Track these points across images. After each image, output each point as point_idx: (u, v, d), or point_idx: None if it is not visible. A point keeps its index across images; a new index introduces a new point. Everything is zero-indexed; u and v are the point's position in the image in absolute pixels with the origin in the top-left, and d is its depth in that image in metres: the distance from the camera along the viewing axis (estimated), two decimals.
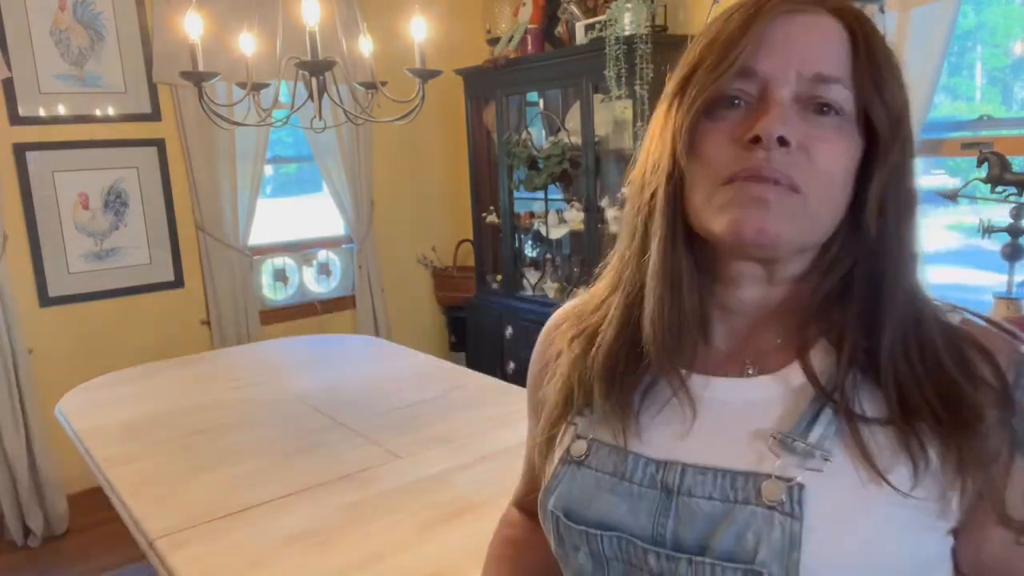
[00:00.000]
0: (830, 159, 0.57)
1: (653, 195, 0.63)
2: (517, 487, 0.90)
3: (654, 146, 0.64)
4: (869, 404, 0.57)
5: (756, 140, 0.56)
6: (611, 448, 0.64)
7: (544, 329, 0.78)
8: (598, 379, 0.65)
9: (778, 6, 0.57)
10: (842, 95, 0.57)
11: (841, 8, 0.58)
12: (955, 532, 0.57)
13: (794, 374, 0.60)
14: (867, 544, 0.54)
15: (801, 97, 0.57)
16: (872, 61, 0.57)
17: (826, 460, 0.55)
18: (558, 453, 0.68)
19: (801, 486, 0.55)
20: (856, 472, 0.55)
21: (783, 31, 0.57)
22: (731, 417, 0.60)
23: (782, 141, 0.55)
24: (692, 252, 0.62)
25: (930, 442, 0.55)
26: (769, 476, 0.56)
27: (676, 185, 0.61)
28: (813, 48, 0.57)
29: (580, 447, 0.65)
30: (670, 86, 0.63)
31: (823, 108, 0.57)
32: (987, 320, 0.60)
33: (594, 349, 0.66)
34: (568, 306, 0.76)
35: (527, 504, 0.86)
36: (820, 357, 0.60)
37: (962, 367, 0.56)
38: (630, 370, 0.64)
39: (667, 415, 0.63)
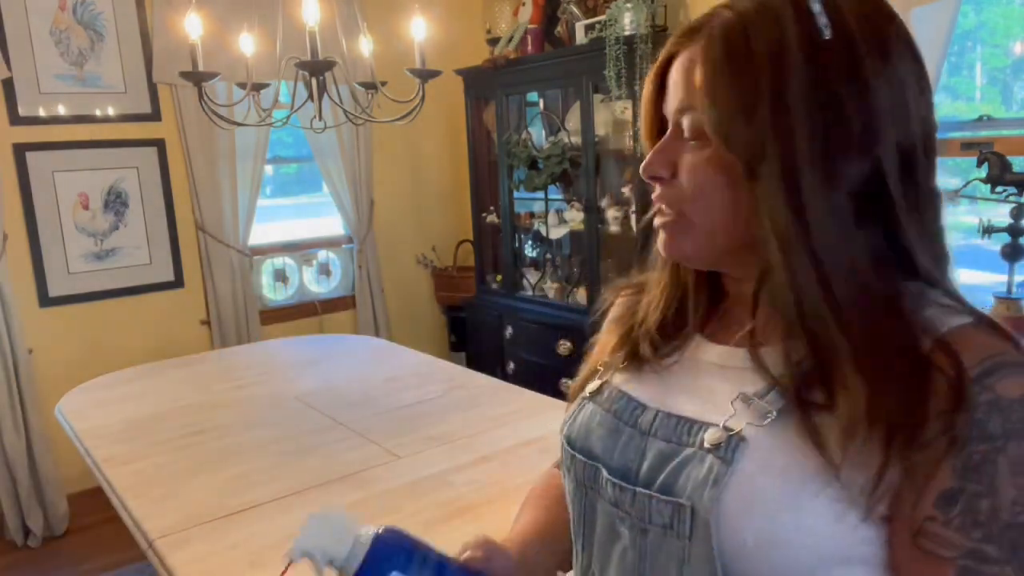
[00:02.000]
0: (695, 179, 0.63)
1: None
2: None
3: None
4: (815, 393, 0.58)
5: None
6: (616, 390, 0.73)
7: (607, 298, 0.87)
8: (641, 338, 0.74)
9: (671, 48, 0.66)
10: (694, 120, 0.62)
11: (711, 28, 0.62)
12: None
13: (778, 352, 0.63)
14: (783, 506, 0.55)
15: (679, 129, 0.65)
16: (711, 85, 0.60)
17: (769, 417, 0.59)
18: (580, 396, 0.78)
19: (742, 438, 0.59)
20: (792, 442, 0.57)
21: (672, 72, 0.66)
22: (718, 378, 0.66)
23: (654, 179, 0.66)
24: None
25: (866, 430, 0.55)
26: (717, 425, 0.61)
27: None
28: (682, 83, 0.64)
29: (594, 386, 0.75)
30: None
31: (691, 136, 0.63)
32: (990, 322, 0.58)
33: (639, 315, 0.76)
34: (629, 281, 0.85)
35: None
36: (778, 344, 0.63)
37: (914, 363, 0.55)
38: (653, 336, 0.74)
39: (676, 369, 0.71)
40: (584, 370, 0.80)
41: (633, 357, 0.73)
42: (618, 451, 0.67)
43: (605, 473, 0.67)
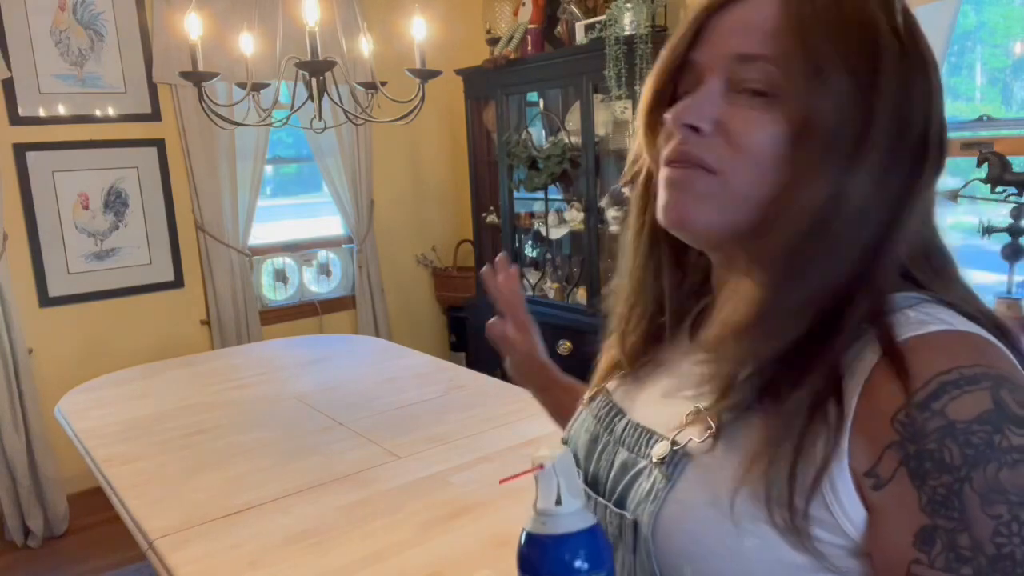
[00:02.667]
0: (749, 135, 0.56)
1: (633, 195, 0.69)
2: None
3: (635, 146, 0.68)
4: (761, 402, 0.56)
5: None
6: (605, 394, 0.72)
7: None
8: (624, 352, 0.72)
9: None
10: (765, 72, 0.55)
11: None
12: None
13: None
14: (708, 525, 0.54)
15: (733, 82, 0.57)
16: (801, 36, 0.54)
17: (707, 432, 0.57)
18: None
19: (686, 454, 0.57)
20: (731, 461, 0.55)
21: (718, 22, 0.58)
22: (687, 383, 0.62)
23: (693, 127, 0.57)
24: (673, 243, 0.66)
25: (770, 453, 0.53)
26: (667, 439, 0.60)
27: (646, 183, 0.66)
28: (740, 31, 0.57)
29: (591, 393, 0.75)
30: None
31: (754, 92, 0.56)
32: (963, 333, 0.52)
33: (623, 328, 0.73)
34: None
35: None
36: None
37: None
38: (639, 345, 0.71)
39: (656, 375, 0.69)
40: (597, 372, 0.79)
41: (621, 370, 0.72)
42: (595, 459, 0.67)
43: (579, 480, 0.64)
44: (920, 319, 0.53)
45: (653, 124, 0.63)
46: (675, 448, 0.58)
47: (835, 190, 0.53)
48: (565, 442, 0.74)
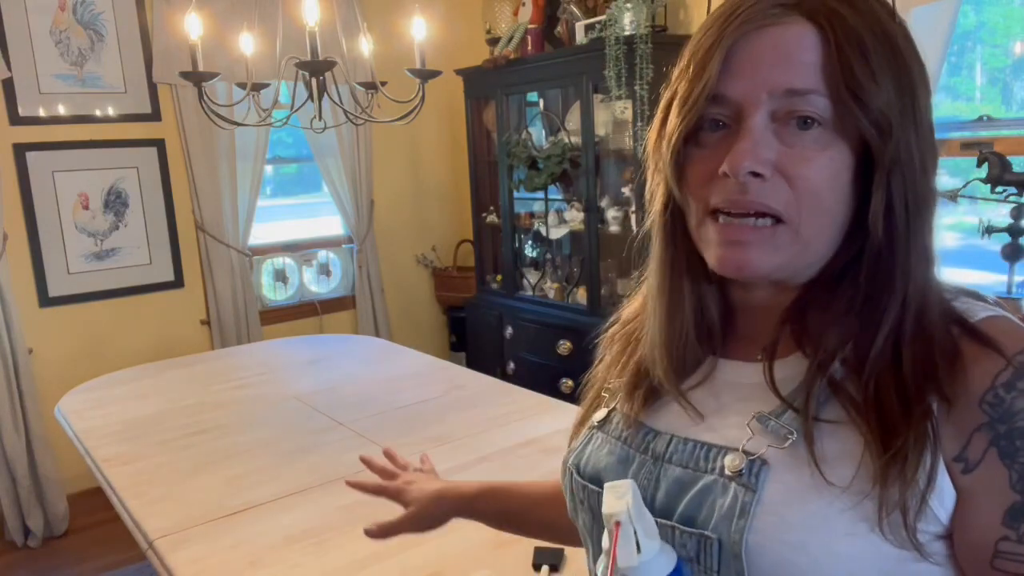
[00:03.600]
0: (813, 178, 0.55)
1: (653, 223, 0.66)
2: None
3: (651, 171, 0.66)
4: (831, 408, 0.56)
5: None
6: (626, 417, 0.68)
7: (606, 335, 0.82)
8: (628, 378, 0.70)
9: (743, 24, 0.55)
10: (819, 104, 0.54)
11: (813, 9, 0.55)
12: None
13: (793, 363, 0.60)
14: (811, 532, 0.53)
15: (778, 114, 0.55)
16: (844, 63, 0.54)
17: (789, 439, 0.56)
18: (586, 426, 0.74)
19: (764, 461, 0.56)
20: (808, 465, 0.55)
21: (749, 50, 0.55)
22: (729, 397, 0.62)
23: (754, 174, 0.55)
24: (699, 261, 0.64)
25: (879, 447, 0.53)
26: (736, 449, 0.58)
27: (673, 212, 0.64)
28: (782, 64, 0.55)
29: (601, 415, 0.72)
30: (660, 106, 0.63)
31: (804, 121, 0.55)
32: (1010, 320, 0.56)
33: (634, 349, 0.71)
34: (621, 313, 0.80)
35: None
36: (796, 360, 0.60)
37: (944, 373, 0.54)
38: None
39: (690, 394, 0.66)
40: (587, 399, 0.77)
41: (651, 393, 0.68)
42: (633, 479, 0.64)
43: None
44: (969, 309, 0.56)
45: (682, 159, 0.60)
46: (751, 457, 0.57)
47: (902, 214, 0.56)
48: (579, 470, 0.69)
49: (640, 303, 0.74)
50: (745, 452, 0.57)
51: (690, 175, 0.60)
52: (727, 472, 0.57)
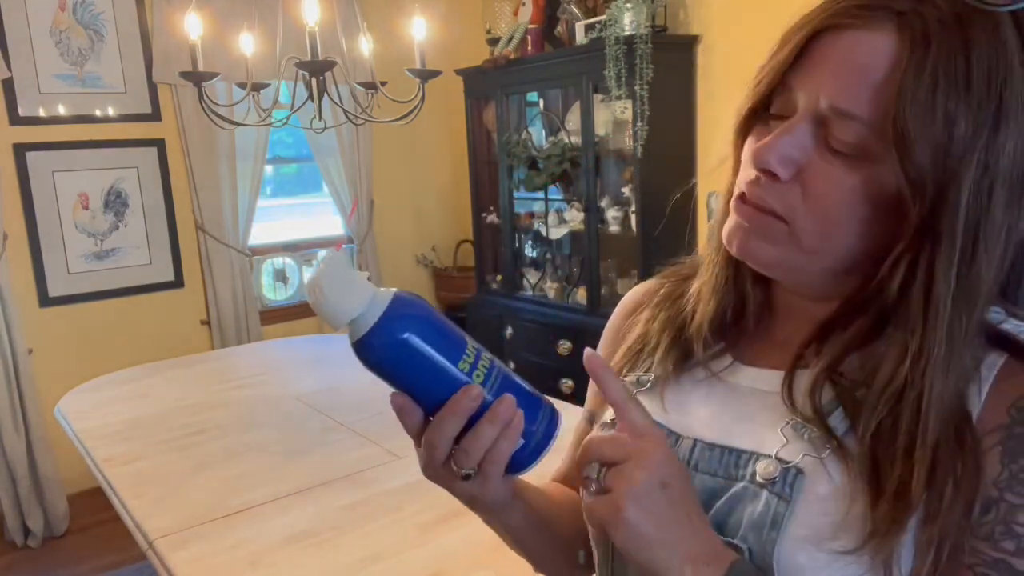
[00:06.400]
0: (829, 198, 0.52)
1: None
2: (559, 467, 0.84)
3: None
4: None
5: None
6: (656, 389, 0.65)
7: (619, 311, 0.77)
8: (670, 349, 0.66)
9: (833, 16, 0.51)
10: (856, 134, 0.50)
11: (916, 22, 0.48)
12: None
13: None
14: (842, 546, 0.51)
15: (821, 130, 0.52)
16: (903, 94, 0.47)
17: (828, 448, 0.53)
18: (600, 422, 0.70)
19: (799, 470, 0.54)
20: (854, 475, 0.53)
21: (823, 47, 0.52)
22: (759, 403, 0.60)
23: (768, 173, 0.54)
24: None
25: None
26: (769, 456, 0.55)
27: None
28: (843, 75, 0.50)
29: (632, 379, 0.67)
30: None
31: (843, 147, 0.51)
32: None
33: (688, 308, 0.67)
34: (642, 289, 0.76)
35: (563, 481, 0.83)
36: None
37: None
38: (687, 353, 0.65)
39: (705, 393, 0.63)
40: (627, 344, 0.70)
41: (683, 360, 0.64)
42: None
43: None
44: (1017, 329, 0.54)
45: (745, 135, 0.59)
46: (785, 465, 0.54)
47: (959, 278, 0.50)
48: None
49: (690, 265, 0.71)
50: (779, 459, 0.55)
51: (744, 152, 0.58)
52: (759, 479, 0.55)
